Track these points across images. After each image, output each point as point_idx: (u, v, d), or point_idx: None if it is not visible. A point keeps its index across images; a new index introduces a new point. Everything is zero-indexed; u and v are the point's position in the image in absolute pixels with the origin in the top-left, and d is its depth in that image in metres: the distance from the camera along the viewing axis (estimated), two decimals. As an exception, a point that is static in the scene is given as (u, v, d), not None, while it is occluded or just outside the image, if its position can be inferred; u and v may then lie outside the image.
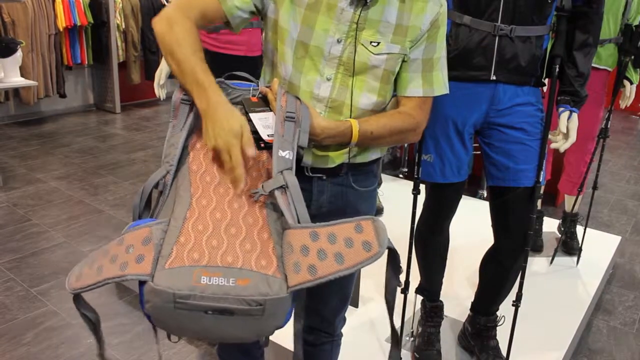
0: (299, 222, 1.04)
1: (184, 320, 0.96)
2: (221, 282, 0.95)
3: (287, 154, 1.12)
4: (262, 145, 1.15)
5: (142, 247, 0.98)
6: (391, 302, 1.12)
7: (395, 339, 1.16)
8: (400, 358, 1.19)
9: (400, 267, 1.08)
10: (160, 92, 2.65)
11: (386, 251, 0.99)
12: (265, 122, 1.18)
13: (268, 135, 1.15)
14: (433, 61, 1.30)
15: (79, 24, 5.45)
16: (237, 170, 1.04)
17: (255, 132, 1.15)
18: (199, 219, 1.03)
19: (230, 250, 0.99)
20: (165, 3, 5.96)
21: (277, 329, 1.02)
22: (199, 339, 1.01)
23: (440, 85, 1.33)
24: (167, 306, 0.94)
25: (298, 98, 1.21)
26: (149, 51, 5.99)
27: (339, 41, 1.23)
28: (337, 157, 1.33)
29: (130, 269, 0.96)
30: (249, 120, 1.17)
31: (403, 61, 1.29)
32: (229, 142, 1.05)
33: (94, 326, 1.03)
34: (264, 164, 1.15)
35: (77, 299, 1.00)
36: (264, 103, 1.22)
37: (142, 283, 0.96)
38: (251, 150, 1.06)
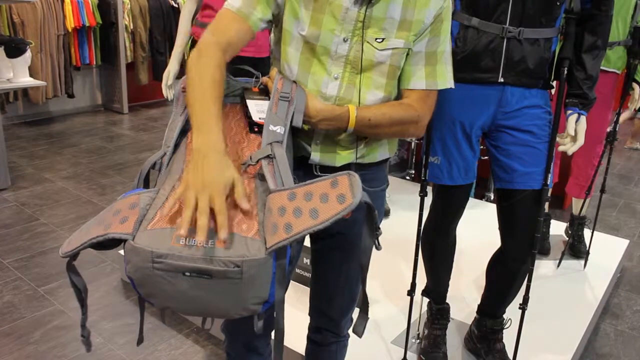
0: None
1: (163, 283, 0.97)
2: (200, 244, 0.96)
3: (278, 129, 1.15)
4: (256, 129, 1.19)
5: (128, 210, 1.01)
6: (365, 265, 1.10)
7: (365, 305, 1.14)
8: (364, 329, 1.17)
9: (378, 226, 1.07)
10: (167, 93, 2.66)
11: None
12: (260, 108, 1.21)
13: (259, 118, 1.19)
14: (437, 54, 1.31)
15: (87, 24, 5.48)
16: (220, 217, 0.97)
17: (249, 117, 1.20)
18: None
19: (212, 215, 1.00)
20: (174, 5, 5.98)
21: (262, 302, 1.00)
22: (184, 313, 1.00)
23: (444, 79, 1.33)
24: (146, 266, 0.96)
25: (295, 82, 1.24)
26: (157, 52, 6.01)
27: (345, 40, 1.24)
28: (345, 155, 1.34)
29: (113, 228, 0.99)
30: (245, 105, 1.22)
31: (407, 54, 1.30)
32: (216, 190, 0.98)
33: (81, 293, 1.06)
34: (259, 145, 1.17)
35: (70, 265, 1.04)
36: (265, 94, 1.26)
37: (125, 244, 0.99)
38: (245, 204, 1.01)
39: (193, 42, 2.66)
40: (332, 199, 0.96)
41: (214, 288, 0.97)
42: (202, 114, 1.08)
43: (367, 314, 1.15)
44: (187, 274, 0.95)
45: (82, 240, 1.01)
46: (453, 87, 1.35)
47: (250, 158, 1.11)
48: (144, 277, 0.97)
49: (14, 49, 3.82)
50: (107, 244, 1.01)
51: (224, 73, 1.17)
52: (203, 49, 1.18)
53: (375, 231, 1.06)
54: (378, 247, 1.08)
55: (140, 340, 1.21)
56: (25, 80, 3.97)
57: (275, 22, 1.31)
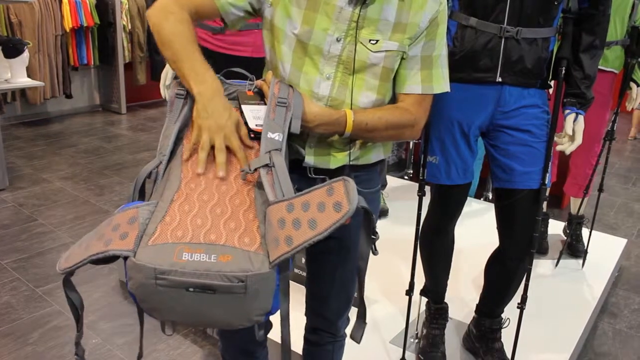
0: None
1: (166, 299, 0.96)
2: (203, 259, 0.95)
3: (276, 136, 1.14)
4: (252, 135, 1.18)
5: (127, 225, 1.00)
6: (362, 271, 1.10)
7: (363, 312, 1.15)
8: (362, 336, 1.17)
9: (376, 231, 1.06)
10: (165, 93, 2.65)
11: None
12: (256, 114, 1.20)
13: (256, 125, 1.18)
14: (432, 58, 1.30)
15: (85, 24, 5.48)
16: (240, 153, 1.11)
17: (246, 124, 1.19)
18: (186, 200, 1.05)
19: (214, 228, 1.00)
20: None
21: (265, 314, 1.00)
22: (186, 325, 1.00)
23: (440, 83, 1.32)
24: (149, 282, 0.95)
25: (291, 87, 1.23)
26: (155, 52, 6.00)
27: (338, 40, 1.24)
28: (339, 158, 1.33)
29: (113, 245, 0.97)
30: (241, 112, 1.20)
31: (402, 58, 1.29)
32: (229, 129, 1.11)
33: (76, 309, 1.05)
34: (257, 152, 1.16)
35: (67, 280, 1.02)
36: (259, 97, 1.25)
37: (126, 260, 0.98)
38: (249, 142, 1.14)
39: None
40: (328, 207, 0.96)
41: (217, 302, 0.96)
42: (193, 66, 1.15)
43: (364, 320, 1.14)
44: (191, 289, 0.95)
45: (81, 256, 0.99)
46: (449, 90, 1.35)
47: (249, 166, 1.09)
48: (147, 293, 0.97)
49: (12, 49, 3.82)
50: (106, 259, 1.00)
51: (194, 33, 1.20)
52: (168, 10, 1.19)
53: (372, 236, 1.06)
54: (375, 252, 1.08)
55: (140, 355, 1.20)
56: (23, 80, 3.97)
57: (262, 17, 1.30)
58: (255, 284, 0.95)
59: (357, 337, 1.16)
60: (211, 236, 0.99)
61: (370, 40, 1.24)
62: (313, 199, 0.98)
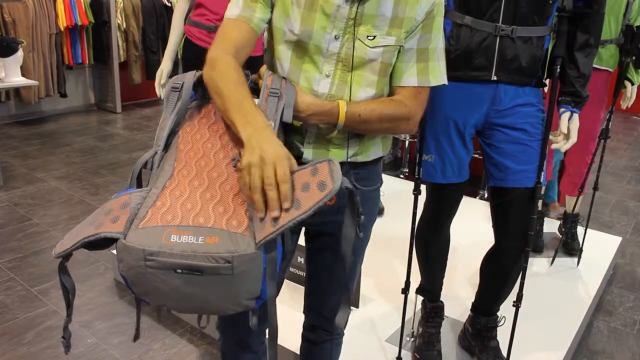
0: None
1: (156, 281, 0.98)
2: (190, 240, 0.97)
3: None
4: None
5: (119, 210, 1.03)
6: (347, 254, 1.10)
7: (347, 295, 1.17)
8: (346, 322, 1.19)
9: (360, 213, 1.06)
10: (161, 92, 2.65)
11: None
12: None
13: None
14: (429, 51, 1.30)
15: (80, 23, 5.46)
16: (285, 186, 0.99)
17: None
18: (178, 186, 1.08)
19: (203, 212, 1.02)
20: (167, 3, 5.96)
21: (255, 298, 1.01)
22: (178, 310, 1.03)
23: (437, 75, 1.32)
24: (138, 264, 0.97)
25: (284, 78, 1.25)
26: (150, 51, 5.99)
27: (336, 38, 1.25)
28: (337, 154, 1.34)
29: (104, 227, 1.00)
30: None
31: (398, 52, 1.29)
32: (279, 158, 1.01)
33: (69, 295, 1.07)
34: None
35: (62, 265, 1.05)
36: (254, 92, 1.25)
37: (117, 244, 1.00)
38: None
39: (186, 41, 2.65)
40: (313, 187, 0.98)
41: (205, 284, 0.98)
42: (240, 109, 1.10)
43: (349, 305, 1.16)
44: (179, 270, 0.96)
45: (74, 240, 1.01)
46: (447, 83, 1.35)
47: (239, 153, 1.11)
48: (137, 275, 0.98)
49: (6, 48, 3.80)
50: (100, 243, 1.02)
51: (242, 73, 1.18)
52: (214, 59, 1.19)
53: (357, 217, 1.07)
54: (359, 234, 1.09)
55: (136, 337, 1.22)
56: (17, 79, 3.96)
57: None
58: (242, 265, 0.96)
59: (341, 322, 1.17)
60: (200, 219, 1.01)
61: (367, 37, 1.25)
62: (298, 180, 1.01)
